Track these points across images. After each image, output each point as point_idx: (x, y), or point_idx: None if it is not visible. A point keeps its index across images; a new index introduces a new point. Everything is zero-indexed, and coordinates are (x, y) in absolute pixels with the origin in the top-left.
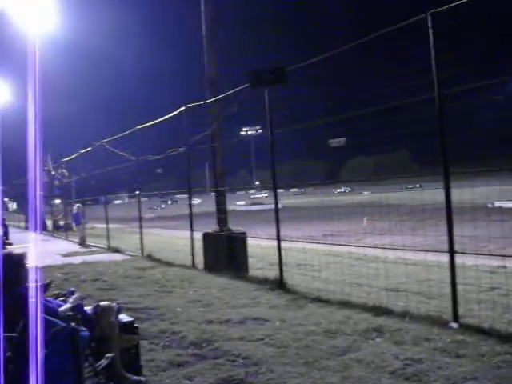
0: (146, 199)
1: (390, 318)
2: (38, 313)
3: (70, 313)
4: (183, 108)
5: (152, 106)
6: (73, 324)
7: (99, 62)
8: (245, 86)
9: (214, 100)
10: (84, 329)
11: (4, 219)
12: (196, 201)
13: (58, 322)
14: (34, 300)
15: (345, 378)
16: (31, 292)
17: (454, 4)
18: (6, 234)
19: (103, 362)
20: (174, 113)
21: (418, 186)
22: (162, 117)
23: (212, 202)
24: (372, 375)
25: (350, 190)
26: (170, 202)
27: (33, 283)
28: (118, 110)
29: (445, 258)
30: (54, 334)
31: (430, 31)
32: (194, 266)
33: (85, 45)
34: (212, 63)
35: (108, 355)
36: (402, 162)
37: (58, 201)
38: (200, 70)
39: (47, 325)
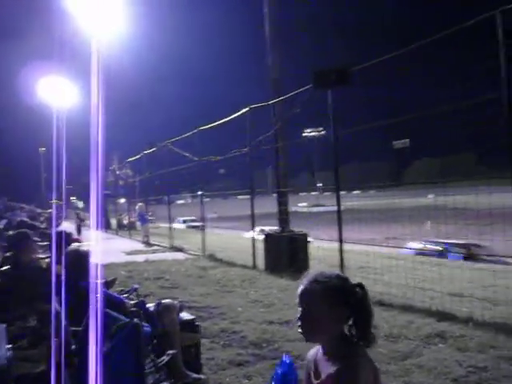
0: (208, 199)
1: (453, 324)
2: (99, 308)
3: (134, 308)
4: (246, 109)
5: (216, 106)
6: (136, 320)
7: (163, 63)
8: (308, 86)
9: (278, 101)
10: (146, 324)
11: (78, 213)
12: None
13: (121, 317)
14: (98, 295)
15: (406, 383)
16: (96, 288)
17: None
18: (79, 229)
19: (164, 359)
20: (237, 114)
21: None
22: (226, 117)
23: (271, 204)
24: (434, 382)
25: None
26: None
27: (97, 279)
28: (181, 110)
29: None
30: (116, 328)
31: (500, 30)
32: (254, 266)
33: (148, 47)
34: (275, 64)
35: (169, 352)
36: (468, 164)
37: (122, 200)
38: (264, 70)
39: (110, 319)
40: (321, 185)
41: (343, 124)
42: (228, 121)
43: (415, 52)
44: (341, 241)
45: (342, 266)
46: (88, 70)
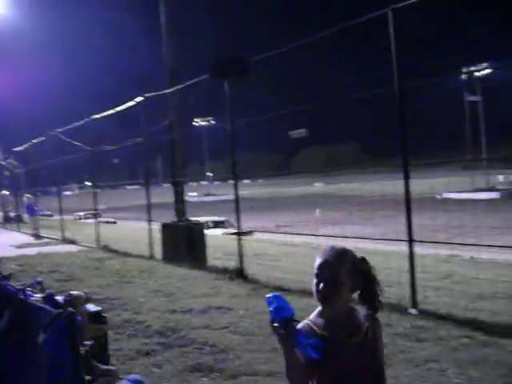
0: (97, 190)
1: None
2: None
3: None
4: (141, 98)
5: (114, 95)
6: (70, 309)
7: (54, 50)
8: (204, 76)
9: (172, 90)
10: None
11: None
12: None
13: (50, 308)
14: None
15: None
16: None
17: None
18: None
19: (83, 350)
20: (131, 103)
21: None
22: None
23: (160, 194)
24: None
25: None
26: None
27: None
28: (75, 98)
29: (398, 247)
30: (52, 319)
31: (391, 27)
32: (151, 256)
33: (38, 34)
34: (171, 53)
35: (86, 342)
36: (355, 152)
37: (7, 192)
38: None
39: (40, 311)
40: (211, 174)
41: (236, 114)
42: (123, 110)
43: (313, 44)
44: (239, 228)
45: (240, 253)
46: None
